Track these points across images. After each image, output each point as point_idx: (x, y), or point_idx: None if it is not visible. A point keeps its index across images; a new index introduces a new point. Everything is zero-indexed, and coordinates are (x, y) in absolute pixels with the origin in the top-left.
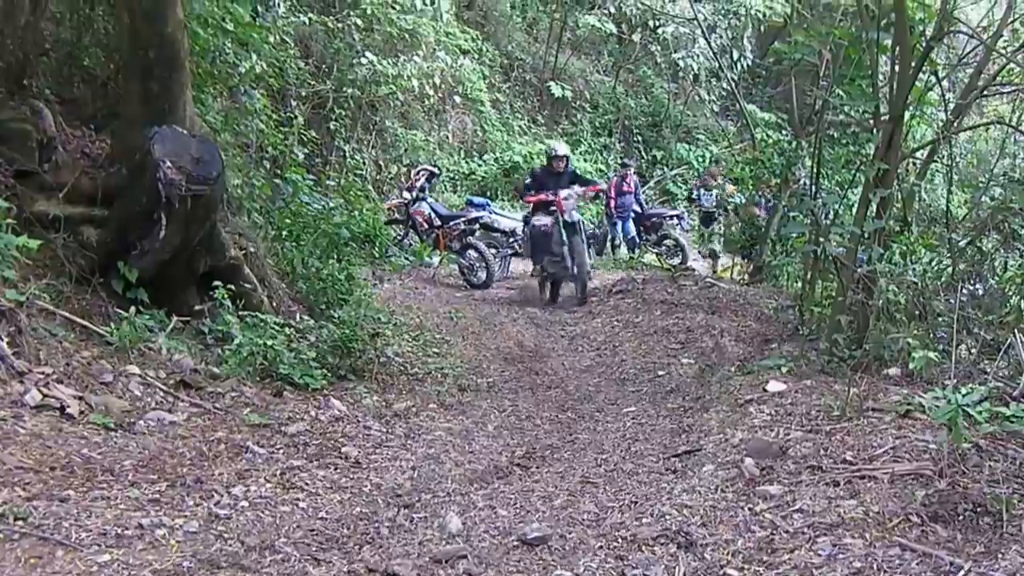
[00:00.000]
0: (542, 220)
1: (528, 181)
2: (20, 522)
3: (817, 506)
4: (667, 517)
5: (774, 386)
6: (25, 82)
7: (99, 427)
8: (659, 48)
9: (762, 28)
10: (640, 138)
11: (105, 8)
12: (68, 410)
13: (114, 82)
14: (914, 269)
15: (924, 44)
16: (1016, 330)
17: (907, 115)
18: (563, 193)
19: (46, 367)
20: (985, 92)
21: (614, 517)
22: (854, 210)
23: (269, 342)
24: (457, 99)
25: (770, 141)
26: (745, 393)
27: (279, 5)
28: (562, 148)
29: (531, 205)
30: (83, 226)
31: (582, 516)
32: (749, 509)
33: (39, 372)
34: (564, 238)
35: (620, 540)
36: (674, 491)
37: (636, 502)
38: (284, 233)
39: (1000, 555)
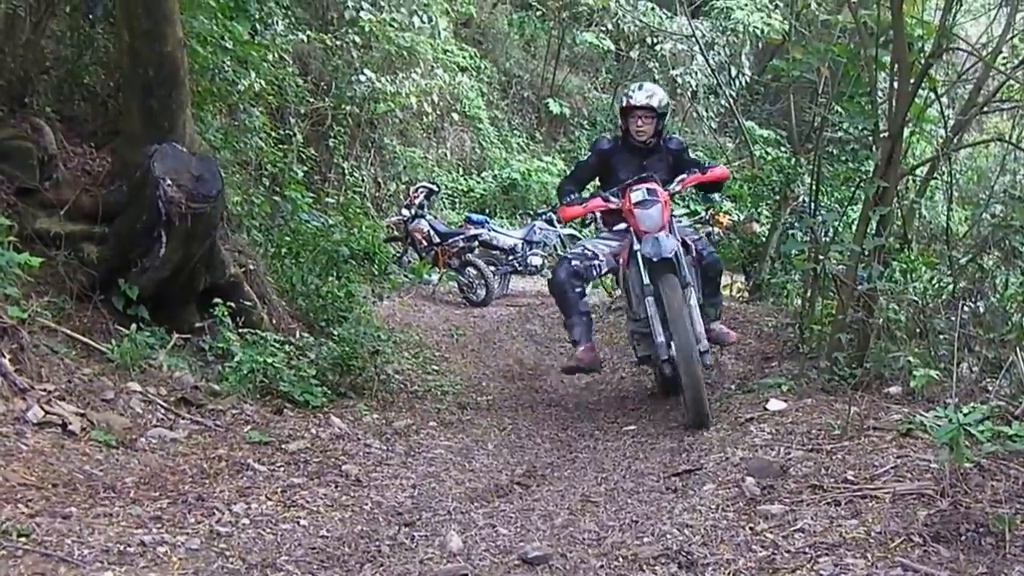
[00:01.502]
0: (580, 252)
1: (583, 159)
2: (23, 539)
3: (818, 526)
4: (668, 536)
5: (774, 405)
6: (26, 100)
7: (101, 444)
8: (657, 65)
9: (760, 45)
10: None
11: (105, 27)
12: (70, 427)
13: (114, 100)
14: (914, 287)
15: (923, 61)
16: (1018, 348)
17: (906, 132)
18: (636, 194)
19: (48, 384)
20: (985, 109)
21: (615, 536)
22: (854, 227)
23: (269, 359)
24: (455, 116)
25: (769, 158)
26: (745, 412)
27: (277, 23)
28: (645, 92)
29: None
30: (84, 243)
31: (583, 535)
32: (750, 528)
33: (41, 389)
34: (645, 286)
35: (621, 559)
36: (675, 510)
37: (637, 521)
38: (284, 250)
39: None
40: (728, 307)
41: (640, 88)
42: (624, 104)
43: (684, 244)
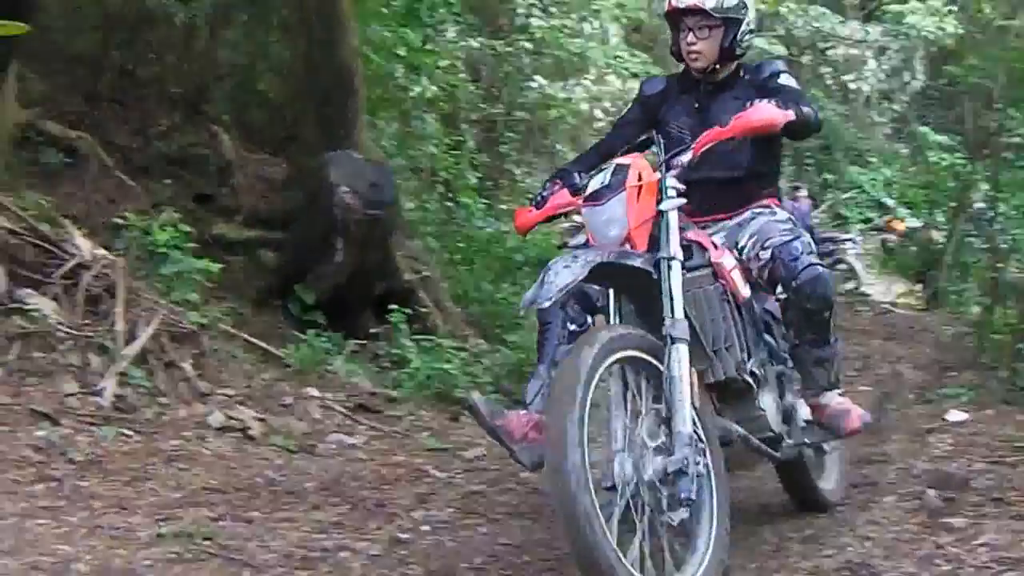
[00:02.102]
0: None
1: (623, 114)
2: (207, 542)
3: (1002, 540)
4: (849, 549)
5: (954, 415)
6: (203, 107)
7: (281, 449)
8: (829, 70)
9: (934, 49)
10: (812, 161)
11: (279, 35)
12: (250, 432)
13: (289, 107)
14: None
15: None
16: None
17: None
18: (594, 180)
19: (228, 389)
20: None
21: (795, 548)
22: None
23: (445, 366)
24: None
25: (944, 164)
26: (924, 422)
27: (449, 30)
28: None
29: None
30: (261, 249)
31: (762, 547)
32: (933, 542)
33: (221, 393)
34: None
35: (802, 572)
36: (855, 522)
37: (816, 534)
38: (457, 257)
39: None
40: (905, 316)
41: None
42: (667, 7)
43: (697, 267)
